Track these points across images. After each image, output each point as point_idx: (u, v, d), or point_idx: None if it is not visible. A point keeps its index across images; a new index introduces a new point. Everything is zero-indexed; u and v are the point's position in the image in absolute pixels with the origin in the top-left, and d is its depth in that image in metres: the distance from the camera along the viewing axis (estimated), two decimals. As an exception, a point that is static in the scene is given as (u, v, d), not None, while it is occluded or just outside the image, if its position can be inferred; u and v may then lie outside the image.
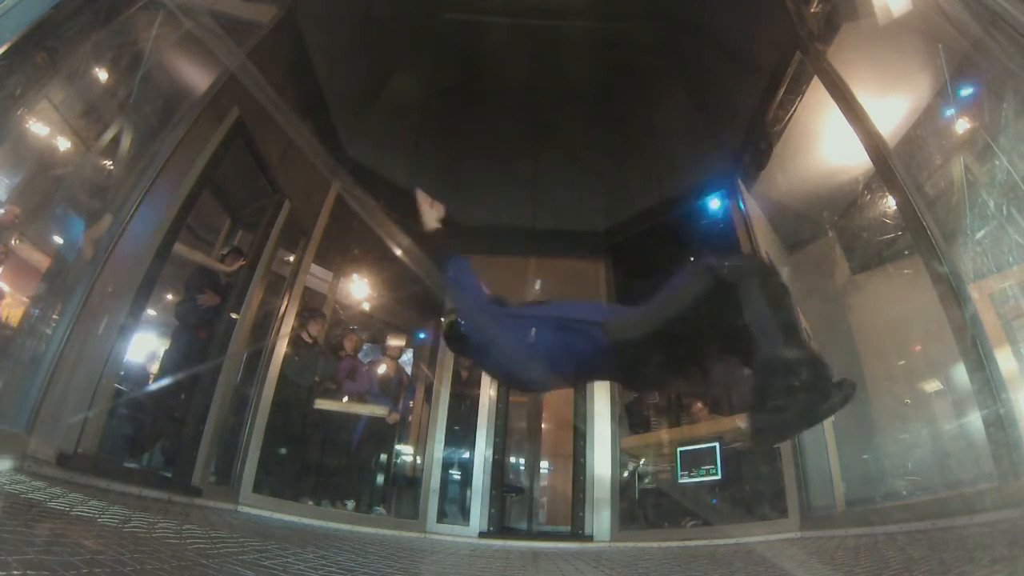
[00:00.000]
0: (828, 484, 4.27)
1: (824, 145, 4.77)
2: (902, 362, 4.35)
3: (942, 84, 3.44)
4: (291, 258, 5.52)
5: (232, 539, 2.66)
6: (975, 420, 2.96)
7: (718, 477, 4.88)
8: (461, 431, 5.78)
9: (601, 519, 5.27)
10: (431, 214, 2.36)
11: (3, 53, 2.78)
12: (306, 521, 4.56)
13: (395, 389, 5.88)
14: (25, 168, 3.48)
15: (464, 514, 5.50)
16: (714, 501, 4.89)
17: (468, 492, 5.55)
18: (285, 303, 5.23)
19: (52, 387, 2.95)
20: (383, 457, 5.70)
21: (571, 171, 6.85)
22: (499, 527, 5.49)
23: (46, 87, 3.30)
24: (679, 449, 5.20)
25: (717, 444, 4.98)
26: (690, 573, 2.89)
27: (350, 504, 5.11)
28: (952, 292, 3.11)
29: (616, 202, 6.83)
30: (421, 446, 5.82)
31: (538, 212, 6.76)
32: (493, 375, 2.31)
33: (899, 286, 4.17)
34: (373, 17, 5.64)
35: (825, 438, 4.55)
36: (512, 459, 6.49)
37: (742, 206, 5.53)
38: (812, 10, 4.34)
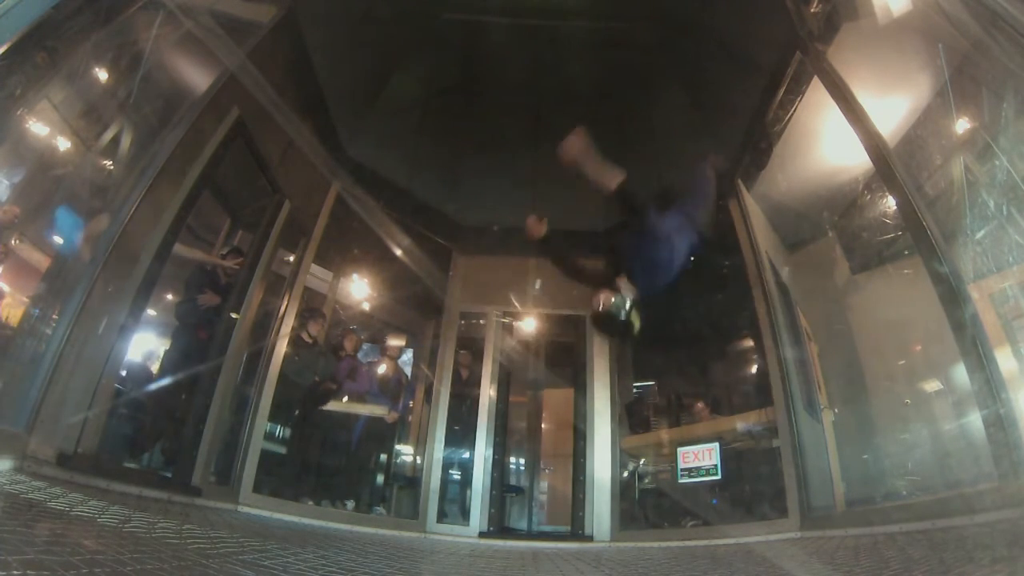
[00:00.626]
0: (828, 484, 4.28)
1: (824, 145, 4.77)
2: (902, 362, 4.36)
3: (942, 84, 3.44)
4: (291, 258, 5.52)
5: (232, 539, 2.66)
6: (975, 420, 2.97)
7: (718, 477, 4.88)
8: (461, 431, 5.78)
9: (601, 519, 5.27)
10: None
11: (3, 53, 2.78)
12: (306, 521, 4.56)
13: (395, 389, 5.88)
14: (25, 168, 3.48)
15: (464, 514, 5.50)
16: (714, 501, 4.89)
17: (468, 492, 5.55)
18: (285, 303, 5.23)
19: (52, 387, 2.95)
20: (383, 457, 5.71)
21: (571, 171, 6.84)
22: (499, 527, 5.49)
23: (46, 87, 3.30)
24: (679, 449, 5.20)
25: (717, 444, 4.99)
26: (690, 573, 2.89)
27: (350, 504, 5.11)
28: (952, 292, 3.12)
29: (616, 202, 6.82)
30: (421, 446, 5.82)
31: (538, 212, 6.74)
32: None
33: (899, 286, 4.17)
34: (373, 17, 5.64)
35: (825, 438, 4.56)
36: (512, 459, 6.49)
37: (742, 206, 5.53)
38: (812, 10, 4.34)
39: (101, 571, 1.35)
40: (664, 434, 5.61)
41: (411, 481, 5.75)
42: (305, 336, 5.35)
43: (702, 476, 4.96)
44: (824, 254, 5.12)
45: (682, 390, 6.02)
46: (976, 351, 2.93)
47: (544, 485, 6.57)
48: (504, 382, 6.18)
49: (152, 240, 3.67)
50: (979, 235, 3.19)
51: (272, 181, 5.06)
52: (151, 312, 4.47)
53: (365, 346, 6.32)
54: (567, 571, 3.13)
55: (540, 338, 6.64)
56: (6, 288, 3.40)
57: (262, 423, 4.73)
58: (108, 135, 3.86)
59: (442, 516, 5.38)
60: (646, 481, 5.60)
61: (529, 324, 6.51)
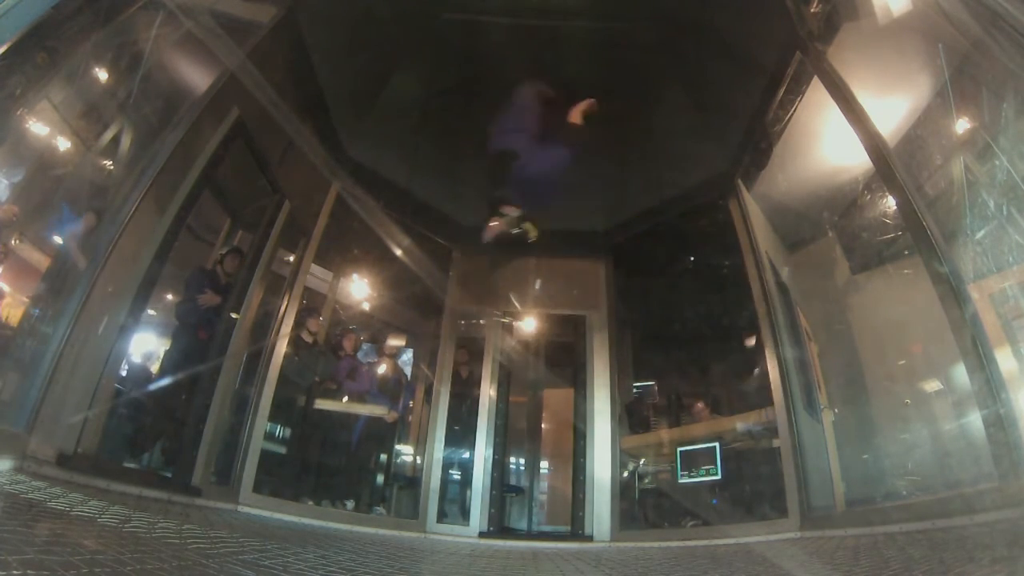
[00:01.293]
0: (828, 484, 4.28)
1: (824, 145, 4.77)
2: (902, 362, 4.35)
3: (942, 84, 3.44)
4: (291, 258, 5.52)
5: (232, 539, 2.66)
6: (975, 420, 2.96)
7: (718, 477, 4.88)
8: (461, 431, 5.78)
9: (601, 519, 5.27)
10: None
11: (3, 53, 2.78)
12: (306, 521, 4.56)
13: (395, 389, 5.88)
14: (25, 168, 3.48)
15: (464, 514, 5.50)
16: (714, 501, 4.89)
17: (468, 492, 5.55)
18: (285, 303, 5.23)
19: (52, 387, 2.95)
20: (383, 457, 5.71)
21: (571, 171, 6.84)
22: (499, 527, 5.49)
23: (46, 87, 3.30)
24: (679, 449, 5.20)
25: (717, 444, 4.98)
26: (690, 573, 2.89)
27: (350, 504, 5.11)
28: (952, 292, 3.11)
29: (616, 202, 6.83)
30: (421, 446, 5.82)
31: (538, 212, 6.75)
32: None
33: (899, 286, 4.17)
34: (373, 17, 5.63)
35: (825, 438, 4.56)
36: (512, 459, 6.49)
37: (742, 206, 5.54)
38: (812, 10, 4.34)
39: (101, 571, 1.35)
40: (664, 434, 5.61)
41: (411, 481, 5.75)
42: (305, 336, 5.35)
43: (702, 476, 4.96)
44: (824, 254, 5.11)
45: (682, 390, 6.02)
46: (976, 351, 2.93)
47: (544, 485, 6.57)
48: (504, 382, 6.18)
49: (152, 240, 3.67)
50: (979, 235, 3.19)
51: (272, 181, 5.06)
52: (151, 312, 4.47)
53: (365, 346, 6.32)
54: (567, 571, 3.13)
55: (540, 338, 6.64)
56: (6, 288, 3.40)
57: (262, 423, 4.73)
58: (108, 135, 3.86)
59: (442, 516, 5.38)
60: (646, 481, 5.60)
61: (529, 324, 6.50)
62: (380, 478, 5.63)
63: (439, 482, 5.44)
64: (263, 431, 4.74)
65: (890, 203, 4.01)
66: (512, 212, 3.07)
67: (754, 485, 4.76)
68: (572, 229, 6.80)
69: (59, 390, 2.98)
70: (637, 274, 6.59)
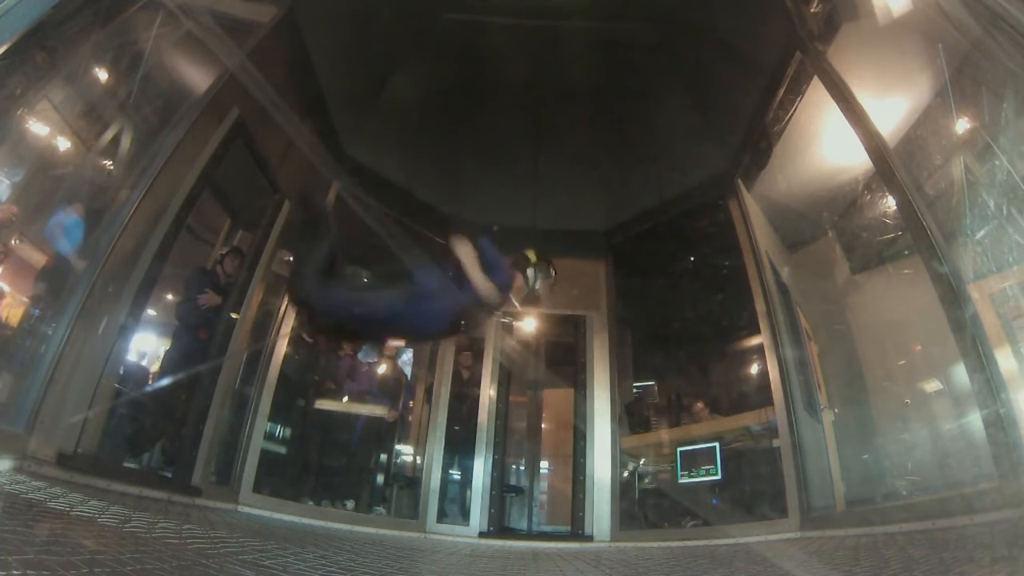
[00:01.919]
0: (828, 484, 4.28)
1: (824, 145, 4.77)
2: (902, 362, 4.36)
3: (942, 84, 3.44)
4: (291, 258, 5.51)
5: (232, 539, 2.66)
6: (975, 420, 2.97)
7: (718, 477, 4.88)
8: (461, 431, 5.78)
9: (601, 519, 5.27)
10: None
11: (3, 53, 2.78)
12: (306, 521, 4.56)
13: (395, 389, 5.88)
14: (25, 168, 3.48)
15: (464, 514, 5.50)
16: (714, 501, 4.89)
17: (468, 492, 5.55)
18: (285, 303, 5.23)
19: (52, 387, 2.95)
20: (383, 457, 5.71)
21: (571, 171, 6.85)
22: (499, 527, 5.49)
23: (46, 87, 3.30)
24: (679, 449, 5.20)
25: (717, 444, 4.98)
26: (690, 573, 2.89)
27: (350, 504, 5.11)
28: (952, 292, 3.12)
29: (616, 202, 6.83)
30: (421, 446, 5.82)
31: (538, 212, 6.75)
32: None
33: (899, 286, 4.17)
34: (373, 17, 5.63)
35: (825, 438, 4.56)
36: (512, 459, 6.48)
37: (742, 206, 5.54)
38: (812, 10, 4.34)
39: (101, 571, 1.35)
40: (664, 434, 5.60)
41: (411, 481, 5.75)
42: (305, 336, 5.35)
43: (702, 476, 4.96)
44: (824, 254, 5.12)
45: (682, 390, 6.02)
46: (976, 351, 2.93)
47: (544, 485, 6.56)
48: (504, 382, 6.17)
49: (152, 240, 3.67)
50: (979, 235, 3.19)
51: (272, 181, 5.06)
52: (151, 312, 4.47)
53: (365, 346, 6.32)
54: (567, 571, 3.13)
55: (540, 338, 6.63)
56: (6, 288, 3.40)
57: (262, 423, 4.73)
58: (108, 135, 3.86)
59: (442, 516, 5.38)
60: (646, 481, 5.60)
61: (529, 324, 6.50)
62: (380, 478, 5.63)
63: (439, 482, 5.44)
64: (263, 431, 4.74)
65: (890, 203, 4.02)
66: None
67: (754, 485, 4.76)
68: (572, 229, 6.80)
69: (59, 390, 2.98)
70: (637, 274, 6.59)
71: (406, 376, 6.32)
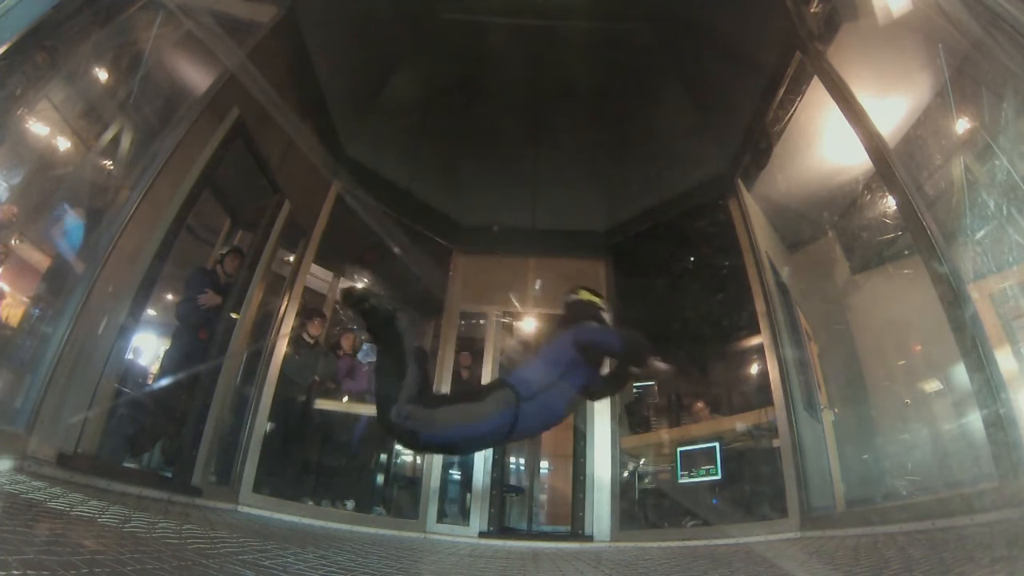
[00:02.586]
0: (828, 484, 4.28)
1: (824, 145, 4.77)
2: (902, 362, 4.36)
3: (942, 84, 3.44)
4: (291, 258, 5.52)
5: (232, 539, 2.66)
6: (975, 420, 2.96)
7: (718, 477, 4.88)
8: (461, 431, 5.77)
9: (601, 519, 5.27)
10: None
11: (3, 53, 2.78)
12: (306, 521, 4.56)
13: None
14: (25, 168, 3.48)
15: (464, 514, 5.50)
16: (714, 501, 4.89)
17: (468, 492, 5.55)
18: (285, 303, 5.23)
19: (52, 387, 2.95)
20: (383, 457, 5.70)
21: (571, 171, 6.85)
22: (499, 527, 5.48)
23: (46, 87, 3.30)
24: (679, 449, 5.20)
25: (717, 444, 4.98)
26: (690, 573, 2.89)
27: (350, 504, 5.10)
28: (952, 292, 3.11)
29: (616, 202, 6.84)
30: (421, 446, 5.82)
31: (538, 212, 6.76)
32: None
33: (899, 286, 4.17)
34: (373, 17, 5.64)
35: (825, 438, 4.56)
36: (512, 459, 6.49)
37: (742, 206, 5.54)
38: (812, 10, 4.34)
39: (101, 571, 1.35)
40: (664, 434, 5.60)
41: (411, 481, 5.75)
42: (305, 336, 5.35)
43: (702, 476, 4.96)
44: (824, 254, 5.11)
45: (682, 390, 6.02)
46: (976, 351, 2.93)
47: (544, 485, 6.57)
48: (504, 382, 6.17)
49: (152, 240, 3.67)
50: (979, 235, 3.19)
51: (272, 181, 5.06)
52: (151, 312, 4.47)
53: (365, 346, 6.32)
54: (567, 571, 3.13)
55: (540, 338, 6.63)
56: (6, 288, 3.40)
57: (262, 423, 4.73)
58: (108, 135, 3.86)
59: (442, 516, 5.38)
60: (646, 481, 5.59)
61: (529, 324, 6.50)
62: (380, 478, 5.63)
63: (439, 482, 5.44)
64: (263, 431, 4.74)
65: (890, 203, 4.02)
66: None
67: (754, 485, 4.76)
68: (572, 229, 6.81)
69: (59, 390, 2.98)
70: (637, 274, 6.59)
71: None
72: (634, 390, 6.43)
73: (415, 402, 2.08)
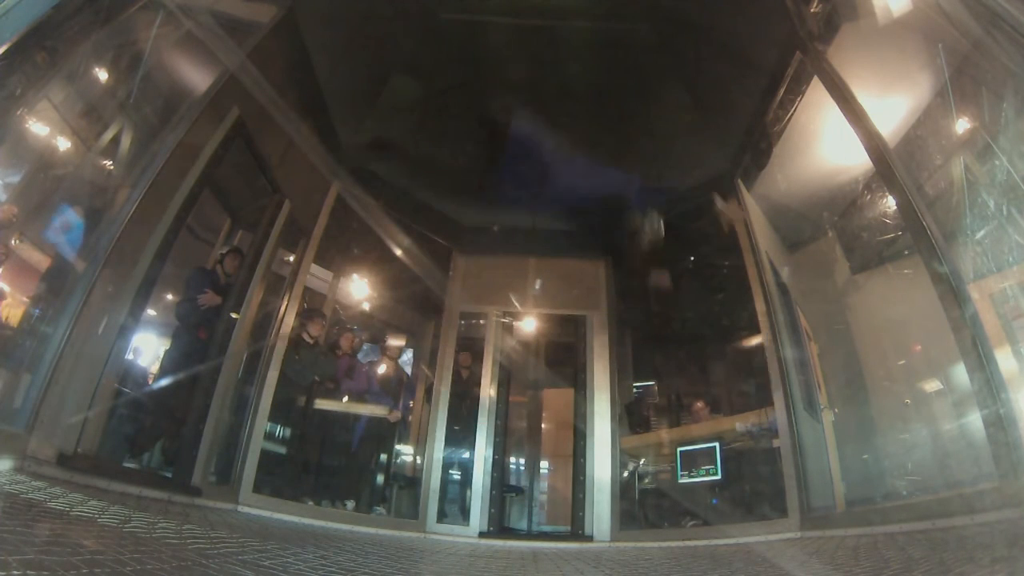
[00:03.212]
0: (828, 484, 4.28)
1: (824, 145, 4.77)
2: (902, 362, 4.36)
3: (942, 84, 3.44)
4: (291, 258, 5.52)
5: (232, 539, 2.66)
6: (975, 420, 2.97)
7: (718, 477, 4.88)
8: (461, 431, 5.78)
9: (601, 519, 5.27)
10: None
11: (3, 53, 2.78)
12: (306, 521, 4.56)
13: (395, 388, 5.88)
14: (25, 168, 3.48)
15: (464, 514, 5.50)
16: (714, 501, 4.89)
17: (468, 492, 5.55)
18: (285, 303, 5.23)
19: (52, 387, 2.95)
20: (383, 457, 5.70)
21: (571, 170, 6.85)
22: (499, 527, 5.49)
23: (46, 87, 3.30)
24: (679, 449, 5.20)
25: (717, 444, 4.98)
26: (690, 573, 2.89)
27: (350, 504, 5.11)
28: (952, 292, 3.12)
29: (617, 202, 6.83)
30: (421, 446, 5.82)
31: (538, 212, 6.76)
32: None
33: (899, 286, 4.17)
34: (373, 17, 5.63)
35: (825, 438, 4.56)
36: (512, 459, 6.49)
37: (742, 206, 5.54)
38: (812, 10, 4.34)
39: (101, 571, 1.35)
40: (664, 434, 5.61)
41: (411, 481, 5.75)
42: (305, 336, 5.35)
43: (702, 476, 4.96)
44: (824, 254, 5.12)
45: (682, 390, 6.02)
46: (976, 351, 2.93)
47: (544, 485, 6.57)
48: (504, 382, 6.18)
49: (152, 240, 3.67)
50: (979, 235, 3.19)
51: (272, 181, 5.06)
52: (151, 312, 4.47)
53: (366, 346, 6.32)
54: (567, 571, 3.13)
55: (540, 338, 6.63)
56: (6, 288, 3.40)
57: (262, 423, 4.73)
58: (108, 135, 3.86)
59: (442, 516, 5.38)
60: (646, 481, 5.59)
61: (529, 324, 6.50)
62: (380, 478, 5.63)
63: (439, 482, 5.44)
64: (263, 431, 4.74)
65: (890, 203, 4.01)
66: None
67: (754, 485, 4.76)
68: (572, 229, 6.81)
69: (59, 390, 2.98)
70: (637, 274, 6.59)
71: (407, 375, 6.33)
72: (634, 390, 6.44)
73: None
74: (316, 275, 6.02)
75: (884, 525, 3.24)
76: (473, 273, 6.57)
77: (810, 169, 5.08)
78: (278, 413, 4.93)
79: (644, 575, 2.99)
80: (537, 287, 6.48)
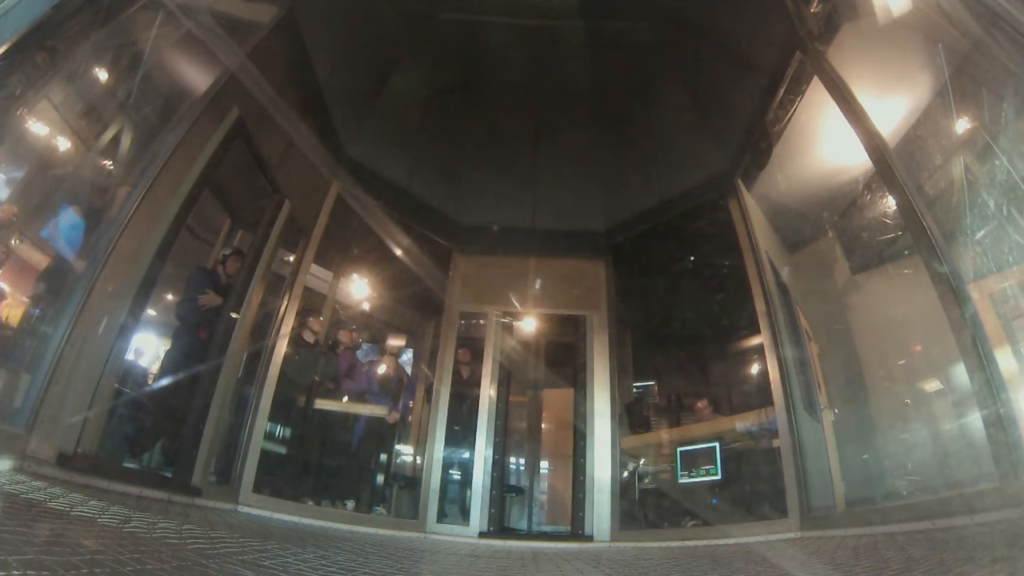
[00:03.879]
0: (828, 484, 4.28)
1: (824, 145, 4.78)
2: (902, 362, 4.36)
3: (942, 84, 3.44)
4: (291, 258, 5.52)
5: (232, 539, 2.66)
6: (975, 420, 2.97)
7: (718, 477, 4.88)
8: (461, 431, 5.78)
9: (601, 519, 5.27)
10: None
11: (3, 53, 2.78)
12: (306, 521, 4.56)
13: (395, 388, 5.88)
14: (25, 168, 3.48)
15: (464, 514, 5.50)
16: (714, 501, 4.89)
17: (468, 492, 5.55)
18: (285, 303, 5.23)
19: (52, 387, 2.95)
20: (383, 457, 5.71)
21: (571, 171, 6.86)
22: (499, 527, 5.49)
23: (46, 87, 3.30)
24: (679, 449, 5.20)
25: (717, 444, 4.99)
26: (690, 573, 2.89)
27: (350, 504, 5.11)
28: (952, 292, 3.12)
29: (616, 202, 6.84)
30: (421, 446, 5.82)
31: (538, 212, 6.76)
32: None
33: (899, 286, 4.17)
34: (373, 16, 5.64)
35: (825, 438, 4.56)
36: (512, 459, 6.49)
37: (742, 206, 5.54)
38: (812, 10, 4.34)
39: (101, 571, 1.35)
40: (664, 434, 5.61)
41: (411, 481, 5.75)
42: (305, 336, 5.35)
43: (702, 476, 4.96)
44: (824, 254, 5.12)
45: (682, 390, 6.02)
46: (976, 351, 2.93)
47: (544, 485, 6.57)
48: (504, 382, 6.18)
49: (152, 240, 3.67)
50: (979, 235, 3.19)
51: (272, 181, 5.06)
52: (151, 312, 4.47)
53: (365, 346, 6.32)
54: (567, 571, 3.13)
55: (540, 338, 6.63)
56: (6, 288, 3.40)
57: (262, 423, 4.73)
58: (108, 135, 3.86)
59: (442, 516, 5.38)
60: (646, 481, 5.60)
61: (529, 324, 6.51)
62: (380, 478, 5.63)
63: (439, 482, 5.44)
64: (263, 431, 4.74)
65: (890, 203, 4.02)
66: None
67: (754, 485, 4.76)
68: (572, 229, 6.81)
69: (59, 390, 2.98)
70: (637, 274, 6.60)
71: (407, 375, 6.33)
72: (634, 390, 6.44)
73: None
74: (316, 275, 6.02)
75: (884, 525, 3.24)
76: (473, 273, 6.57)
77: (810, 169, 5.08)
78: (278, 413, 4.93)
79: (644, 575, 2.99)
80: (537, 287, 6.48)
